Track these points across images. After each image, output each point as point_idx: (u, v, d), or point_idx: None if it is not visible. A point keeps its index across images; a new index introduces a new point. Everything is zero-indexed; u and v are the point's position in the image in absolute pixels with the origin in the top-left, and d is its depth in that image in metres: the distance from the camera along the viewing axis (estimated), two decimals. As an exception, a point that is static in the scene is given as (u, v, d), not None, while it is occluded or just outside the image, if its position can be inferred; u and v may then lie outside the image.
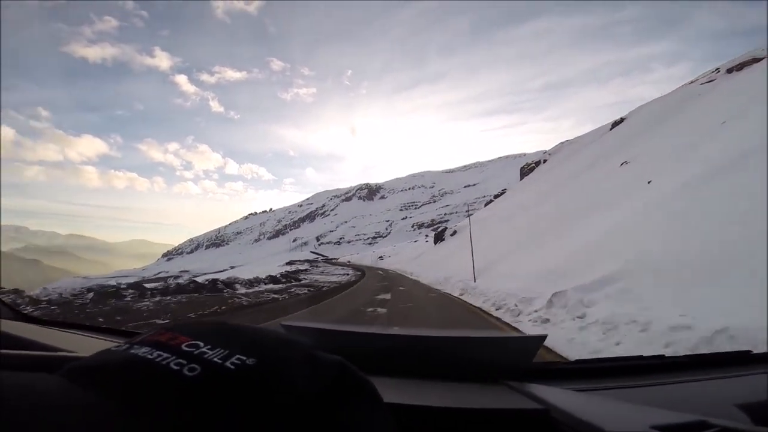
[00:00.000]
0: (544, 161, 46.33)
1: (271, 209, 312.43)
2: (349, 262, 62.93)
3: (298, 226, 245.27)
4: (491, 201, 50.79)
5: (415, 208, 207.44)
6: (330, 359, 0.38)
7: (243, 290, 14.56)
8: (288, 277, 22.84)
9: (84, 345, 1.10)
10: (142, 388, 0.29)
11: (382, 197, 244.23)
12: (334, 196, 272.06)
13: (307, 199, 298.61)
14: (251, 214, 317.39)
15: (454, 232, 40.62)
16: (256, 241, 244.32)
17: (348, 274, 28.38)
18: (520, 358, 0.96)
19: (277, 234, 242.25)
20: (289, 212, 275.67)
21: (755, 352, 1.18)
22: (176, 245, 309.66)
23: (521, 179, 48.89)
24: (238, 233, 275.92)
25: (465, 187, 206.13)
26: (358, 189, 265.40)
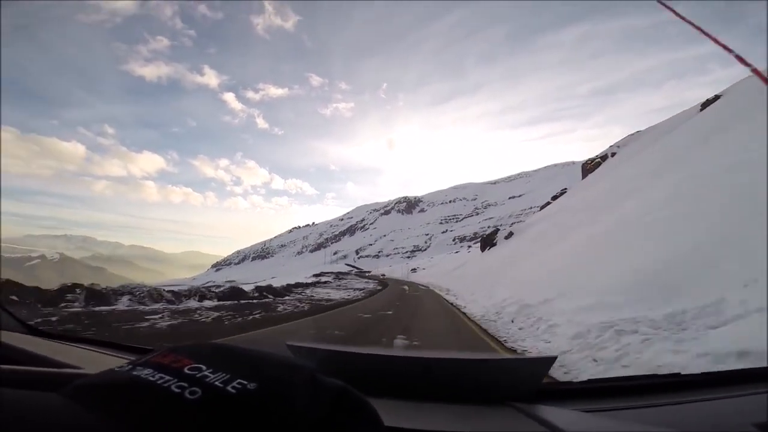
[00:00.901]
0: (612, 154, 39.21)
1: (313, 223, 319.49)
2: (383, 275, 60.58)
3: (339, 239, 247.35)
4: (548, 203, 43.00)
5: (456, 221, 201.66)
6: (331, 383, 0.38)
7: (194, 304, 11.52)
8: (289, 290, 19.97)
9: (91, 360, 1.09)
10: (143, 411, 0.29)
11: (422, 210, 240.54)
12: (374, 210, 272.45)
13: (348, 213, 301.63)
14: (295, 227, 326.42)
15: (510, 234, 33.11)
16: (299, 253, 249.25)
17: (363, 290, 23.74)
18: (528, 379, 0.94)
19: (319, 247, 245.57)
20: (331, 226, 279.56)
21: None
22: (225, 257, 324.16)
23: (584, 177, 42.10)
24: (282, 246, 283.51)
25: (510, 198, 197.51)
26: (396, 202, 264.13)
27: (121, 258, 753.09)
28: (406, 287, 27.57)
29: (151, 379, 0.32)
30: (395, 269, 77.79)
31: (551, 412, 0.80)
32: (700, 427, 0.81)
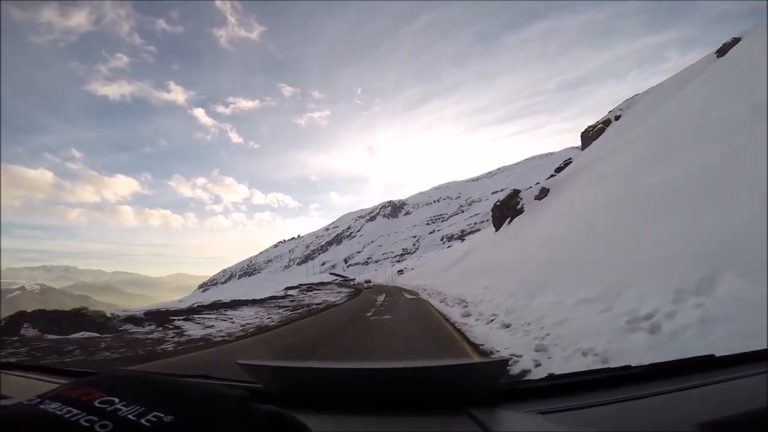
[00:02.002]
0: (617, 117, 33.92)
1: (299, 235, 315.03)
2: (366, 282, 49.04)
3: (326, 249, 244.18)
4: (553, 176, 33.37)
5: (443, 221, 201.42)
6: (265, 411, 0.37)
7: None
8: (195, 312, 15.37)
9: (18, 387, 1.06)
10: None
11: (407, 213, 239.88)
12: (359, 217, 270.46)
13: (333, 222, 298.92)
14: (280, 241, 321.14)
15: (544, 193, 22.90)
16: (286, 267, 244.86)
17: (311, 307, 18.23)
18: (485, 383, 0.94)
19: (306, 259, 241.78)
20: (317, 237, 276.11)
21: (718, 355, 1.17)
22: (211, 276, 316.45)
23: (584, 147, 38.35)
24: (268, 261, 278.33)
25: (493, 193, 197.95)
26: (381, 207, 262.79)
27: (105, 285, 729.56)
28: (380, 297, 21.71)
29: (59, 413, 0.31)
30: (380, 274, 75.51)
31: (506, 417, 0.81)
32: (647, 426, 0.82)
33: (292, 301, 23.14)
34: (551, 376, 1.19)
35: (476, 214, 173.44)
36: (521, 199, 25.74)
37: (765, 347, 1.27)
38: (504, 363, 0.99)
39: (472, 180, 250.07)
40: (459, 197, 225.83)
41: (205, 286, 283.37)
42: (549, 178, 31.80)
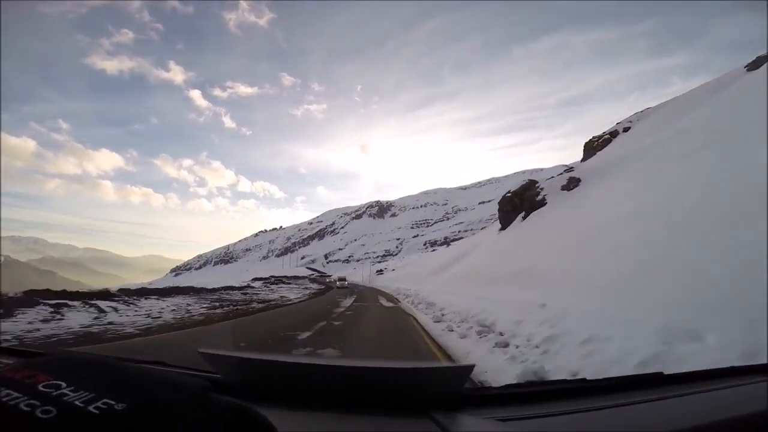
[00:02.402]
0: (626, 129, 31.86)
1: (281, 227, 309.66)
2: (340, 279, 40.23)
3: (308, 243, 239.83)
4: (570, 169, 30.39)
5: (427, 226, 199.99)
6: (226, 403, 0.35)
7: None
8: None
9: None
10: None
11: (393, 215, 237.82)
12: (345, 214, 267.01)
13: (317, 217, 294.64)
14: (261, 231, 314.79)
15: (574, 183, 19.35)
16: (264, 258, 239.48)
17: (279, 300, 16.94)
18: (449, 387, 0.94)
19: (286, 251, 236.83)
20: (299, 230, 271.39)
21: (667, 373, 1.21)
22: (186, 261, 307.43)
23: (585, 159, 34.97)
24: (247, 250, 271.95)
25: (480, 203, 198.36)
26: (368, 207, 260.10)
27: (74, 261, 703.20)
28: (348, 300, 17.13)
29: None
30: (358, 272, 70.41)
31: (466, 422, 0.81)
32: None
33: (245, 294, 20.03)
34: (510, 385, 1.20)
35: (461, 222, 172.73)
36: (541, 189, 21.25)
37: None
38: (469, 369, 0.99)
39: (461, 188, 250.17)
40: (446, 204, 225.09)
41: (177, 271, 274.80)
42: (566, 171, 28.44)
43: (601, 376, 1.31)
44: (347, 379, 0.94)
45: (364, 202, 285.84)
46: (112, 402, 0.30)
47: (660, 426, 0.84)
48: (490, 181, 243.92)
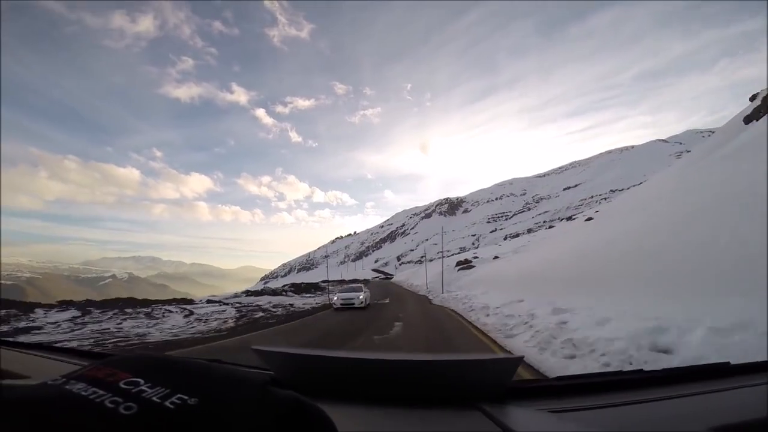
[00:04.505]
0: None
1: (354, 232, 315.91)
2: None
3: (380, 247, 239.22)
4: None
5: (506, 219, 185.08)
6: (283, 395, 0.37)
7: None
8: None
9: (39, 368, 1.09)
10: (72, 427, 0.28)
11: (466, 211, 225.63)
12: (414, 215, 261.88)
13: (387, 220, 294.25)
14: (337, 238, 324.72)
15: None
16: (342, 263, 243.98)
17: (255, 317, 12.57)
18: (496, 380, 0.94)
19: (360, 256, 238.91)
20: (371, 234, 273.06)
21: (734, 363, 1.17)
22: (273, 269, 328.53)
23: (748, 121, 23.38)
24: (325, 256, 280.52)
25: (564, 189, 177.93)
26: (437, 205, 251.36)
27: (183, 275, 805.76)
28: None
29: (84, 393, 0.31)
30: (427, 272, 35.24)
31: (517, 414, 0.81)
32: (658, 428, 0.82)
33: (238, 304, 17.16)
34: (562, 377, 1.18)
35: (545, 212, 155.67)
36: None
37: None
38: (517, 361, 0.97)
39: (539, 176, 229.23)
40: (524, 194, 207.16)
41: (266, 279, 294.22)
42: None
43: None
44: (395, 373, 0.93)
45: (432, 200, 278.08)
46: (186, 397, 0.31)
47: (726, 417, 0.80)
48: (572, 165, 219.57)
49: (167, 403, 0.31)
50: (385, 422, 0.82)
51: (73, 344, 7.33)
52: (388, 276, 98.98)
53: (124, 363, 0.36)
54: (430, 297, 20.05)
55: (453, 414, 0.84)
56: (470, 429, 0.78)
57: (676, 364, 3.76)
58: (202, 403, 0.32)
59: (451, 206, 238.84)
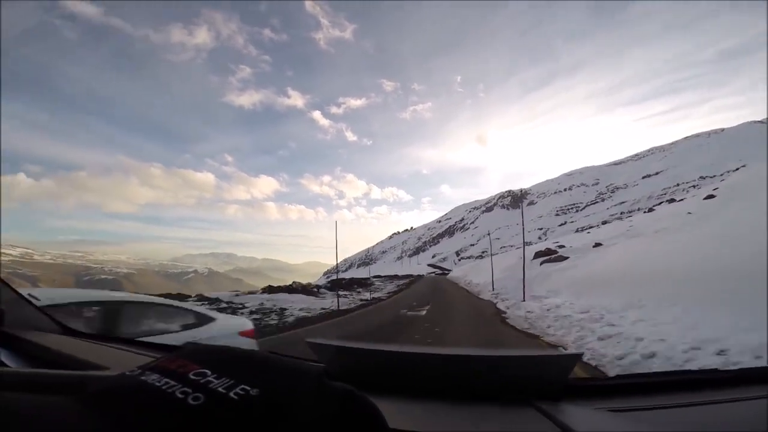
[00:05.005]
0: None
1: (411, 228, 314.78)
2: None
3: (437, 242, 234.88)
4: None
5: (576, 211, 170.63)
6: (338, 387, 0.37)
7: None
8: None
9: (117, 360, 1.15)
10: (149, 417, 0.30)
11: (531, 203, 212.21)
12: (474, 208, 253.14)
13: (445, 214, 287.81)
14: (395, 233, 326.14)
15: None
16: (399, 258, 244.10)
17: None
18: (553, 377, 0.90)
19: (418, 251, 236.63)
20: (428, 229, 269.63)
21: None
22: (334, 265, 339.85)
23: None
24: (383, 252, 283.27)
25: (643, 177, 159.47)
26: (499, 197, 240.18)
27: (256, 270, 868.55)
28: None
29: (157, 384, 0.33)
30: (481, 268, 31.40)
31: (574, 413, 0.78)
32: (727, 429, 0.78)
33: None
34: (622, 375, 1.13)
35: (622, 202, 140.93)
36: None
37: None
38: (575, 357, 0.94)
39: (614, 164, 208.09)
40: (597, 183, 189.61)
41: (329, 274, 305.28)
42: None
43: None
44: (446, 368, 0.92)
45: (493, 193, 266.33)
46: (248, 388, 0.33)
47: None
48: (651, 152, 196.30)
49: (231, 394, 0.32)
50: (435, 417, 0.81)
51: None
52: (444, 271, 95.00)
53: (194, 354, 0.38)
54: (501, 307, 11.96)
55: (505, 411, 0.82)
56: (524, 426, 0.76)
57: None
58: (264, 393, 0.33)
59: (515, 199, 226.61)
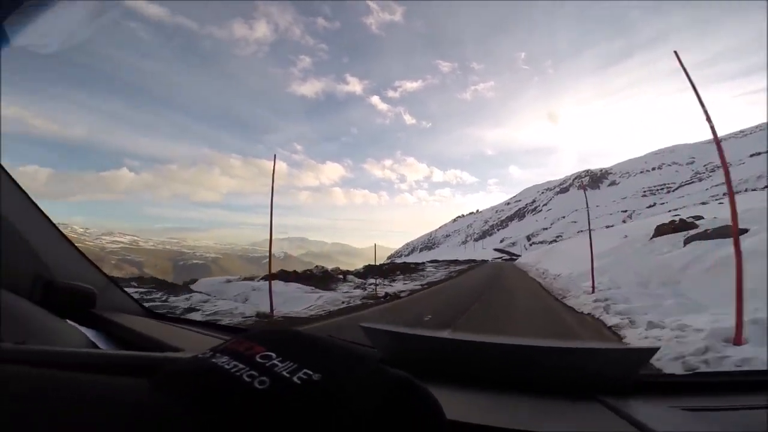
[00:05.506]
0: None
1: (477, 210, 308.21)
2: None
3: (506, 225, 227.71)
4: None
5: (668, 191, 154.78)
6: (394, 374, 0.37)
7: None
8: None
9: (192, 342, 1.19)
10: (217, 398, 0.31)
11: (613, 183, 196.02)
12: (546, 190, 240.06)
13: (515, 196, 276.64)
14: (459, 216, 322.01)
15: None
16: (463, 243, 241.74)
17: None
18: (622, 371, 0.85)
19: (484, 235, 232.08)
20: (496, 212, 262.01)
21: None
22: (396, 249, 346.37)
23: None
24: (447, 236, 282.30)
25: (751, 156, 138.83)
26: (576, 178, 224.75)
27: (326, 254, 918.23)
28: None
29: (227, 367, 0.34)
30: (558, 252, 26.40)
31: (647, 410, 0.73)
32: None
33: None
34: (699, 373, 1.04)
35: (723, 182, 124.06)
36: None
37: None
38: (651, 352, 0.88)
39: (712, 141, 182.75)
40: (692, 162, 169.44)
41: (392, 258, 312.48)
42: None
43: None
44: (506, 358, 0.88)
45: (568, 174, 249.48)
46: (311, 372, 0.33)
47: None
48: (759, 128, 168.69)
49: (295, 378, 0.33)
50: (494, 409, 0.78)
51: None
52: (512, 257, 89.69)
53: (260, 337, 0.39)
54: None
55: (568, 404, 0.78)
56: (592, 423, 0.72)
57: None
58: (325, 379, 0.33)
59: (594, 179, 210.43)
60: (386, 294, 12.52)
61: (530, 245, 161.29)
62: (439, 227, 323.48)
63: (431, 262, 42.71)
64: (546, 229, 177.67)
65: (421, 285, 16.59)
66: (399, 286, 15.96)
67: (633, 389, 0.84)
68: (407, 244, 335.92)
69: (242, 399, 0.31)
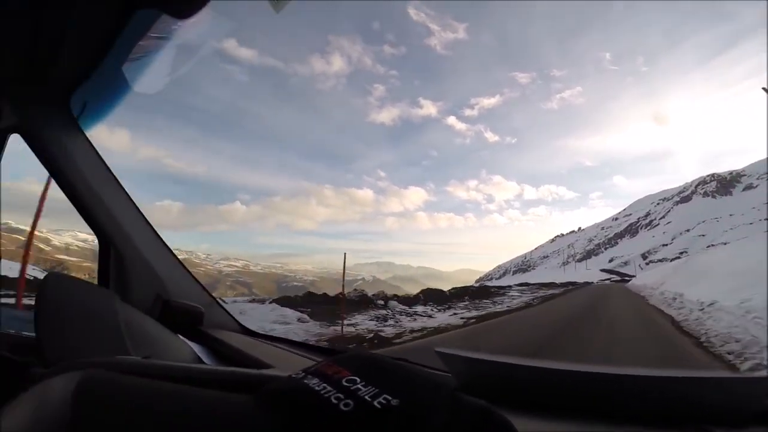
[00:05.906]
0: None
1: (579, 228, 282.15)
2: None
3: (615, 243, 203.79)
4: None
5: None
6: (474, 403, 0.37)
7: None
8: None
9: (284, 360, 1.23)
10: (309, 418, 0.33)
11: (749, 187, 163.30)
12: (662, 200, 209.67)
13: (623, 210, 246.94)
14: (558, 236, 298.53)
15: None
16: (564, 264, 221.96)
17: None
18: (739, 402, 0.75)
19: (589, 255, 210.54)
20: (602, 228, 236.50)
21: None
22: (486, 272, 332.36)
23: None
24: (544, 257, 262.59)
25: None
26: (699, 184, 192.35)
27: (411, 278, 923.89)
28: None
29: (317, 388, 0.36)
30: (702, 266, 14.94)
31: None
32: None
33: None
34: None
35: None
36: None
37: None
38: None
39: None
40: None
41: (481, 281, 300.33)
42: None
43: None
44: (594, 386, 0.81)
45: (688, 180, 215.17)
46: (390, 397, 0.34)
47: None
48: None
49: (376, 403, 0.34)
50: None
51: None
52: (623, 278, 75.49)
53: (348, 361, 0.41)
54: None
55: None
56: None
57: None
58: (403, 404, 0.34)
59: (722, 184, 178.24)
60: (375, 335, 7.55)
61: (647, 264, 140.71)
62: (535, 248, 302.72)
63: (519, 285, 37.98)
64: (666, 245, 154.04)
65: (464, 320, 10.97)
66: (442, 317, 11.72)
67: (751, 421, 0.72)
68: (499, 267, 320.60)
69: (330, 420, 0.33)
